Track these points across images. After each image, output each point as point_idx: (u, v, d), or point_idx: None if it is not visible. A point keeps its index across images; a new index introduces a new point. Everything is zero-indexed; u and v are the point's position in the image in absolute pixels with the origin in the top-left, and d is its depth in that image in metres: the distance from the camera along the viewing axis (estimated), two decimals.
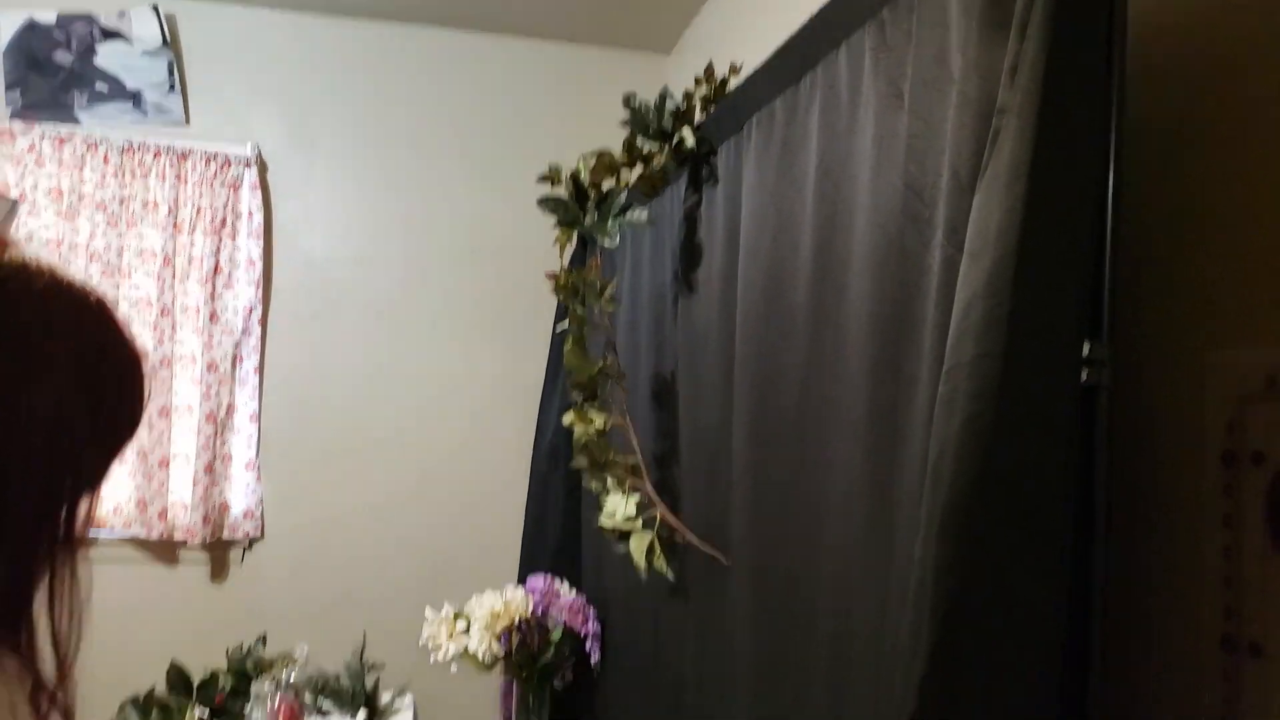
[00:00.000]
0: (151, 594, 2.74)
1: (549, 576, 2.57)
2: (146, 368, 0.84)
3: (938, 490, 0.90)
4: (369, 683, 2.33)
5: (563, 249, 1.98)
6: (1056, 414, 0.89)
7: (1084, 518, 0.93)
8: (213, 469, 2.75)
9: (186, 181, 2.73)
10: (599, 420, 2.12)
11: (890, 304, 1.25)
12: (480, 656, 2.38)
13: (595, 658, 2.47)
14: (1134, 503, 0.98)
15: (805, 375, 1.55)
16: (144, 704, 1.88)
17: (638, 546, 2.03)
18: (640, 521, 2.07)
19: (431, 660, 2.41)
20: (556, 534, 2.81)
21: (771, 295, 1.65)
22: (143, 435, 2.72)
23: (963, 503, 0.87)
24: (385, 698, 2.31)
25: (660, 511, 2.04)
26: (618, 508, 2.11)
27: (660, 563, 2.01)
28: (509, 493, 2.92)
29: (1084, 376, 0.90)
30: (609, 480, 2.15)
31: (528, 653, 2.47)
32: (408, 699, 2.37)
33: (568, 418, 2.18)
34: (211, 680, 2.03)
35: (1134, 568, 0.99)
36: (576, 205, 1.88)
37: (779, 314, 1.62)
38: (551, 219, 2.02)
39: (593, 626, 2.50)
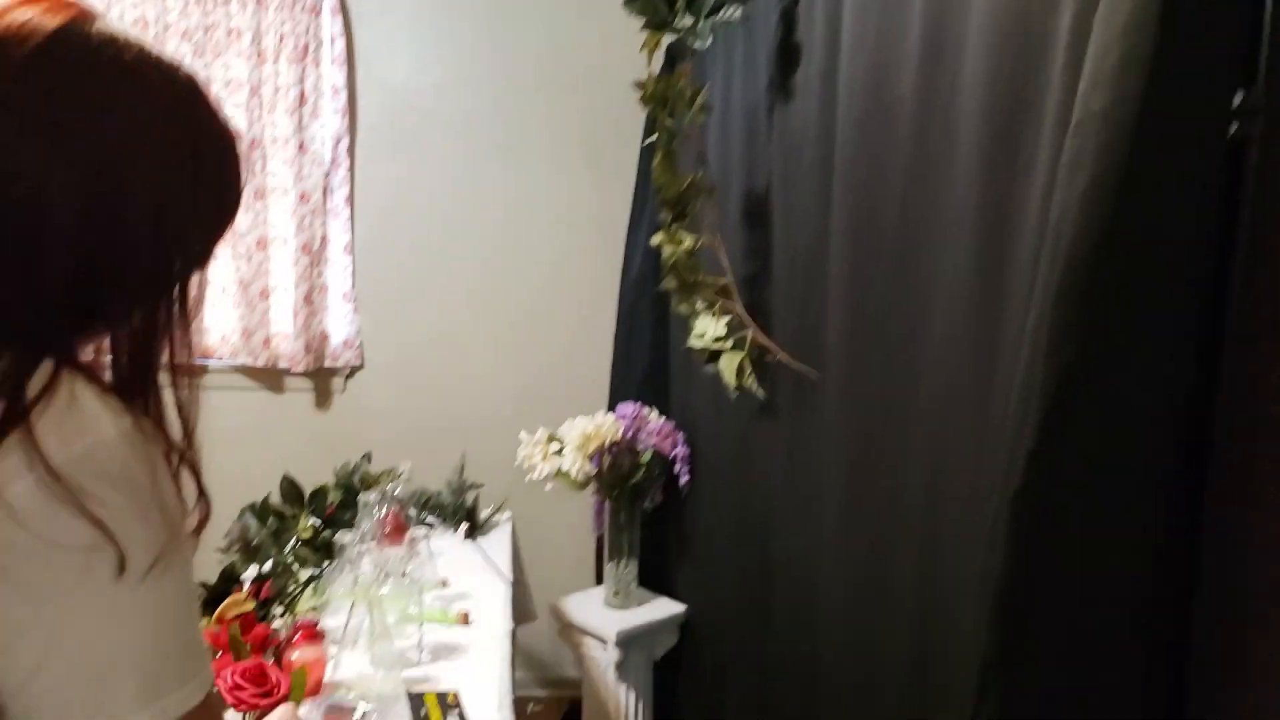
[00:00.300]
0: (261, 419, 2.87)
1: (638, 403, 2.59)
2: (241, 147, 0.83)
3: (1056, 256, 0.83)
4: (469, 500, 2.42)
5: (650, 55, 1.88)
6: (1197, 170, 0.80)
7: (1217, 288, 0.86)
8: (311, 300, 2.81)
9: (267, 8, 2.69)
10: (688, 240, 2.07)
11: (1008, 81, 1.15)
12: (573, 475, 2.44)
13: (684, 479, 2.50)
14: (1276, 274, 0.90)
15: (910, 177, 1.47)
16: (260, 511, 1.99)
17: (728, 366, 2.01)
18: (730, 342, 2.05)
19: (527, 480, 2.48)
20: (644, 362, 2.81)
21: (875, 94, 1.54)
22: (242, 267, 2.79)
23: (1084, 267, 0.81)
24: (484, 514, 2.40)
25: (751, 332, 2.01)
26: (707, 329, 2.08)
27: (750, 381, 2.00)
28: (598, 321, 2.93)
29: (1232, 129, 0.81)
30: (698, 303, 2.12)
31: (619, 473, 2.52)
32: (506, 515, 2.46)
33: (656, 238, 2.13)
34: (321, 492, 2.13)
35: (1271, 348, 0.92)
36: (665, 4, 1.78)
37: (883, 113, 1.52)
38: (639, 27, 1.92)
39: (681, 449, 2.53)
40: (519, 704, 2.99)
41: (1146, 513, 0.89)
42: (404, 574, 1.75)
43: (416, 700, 1.51)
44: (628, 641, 2.46)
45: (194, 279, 0.80)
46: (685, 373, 2.58)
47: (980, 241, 1.22)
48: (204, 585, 1.70)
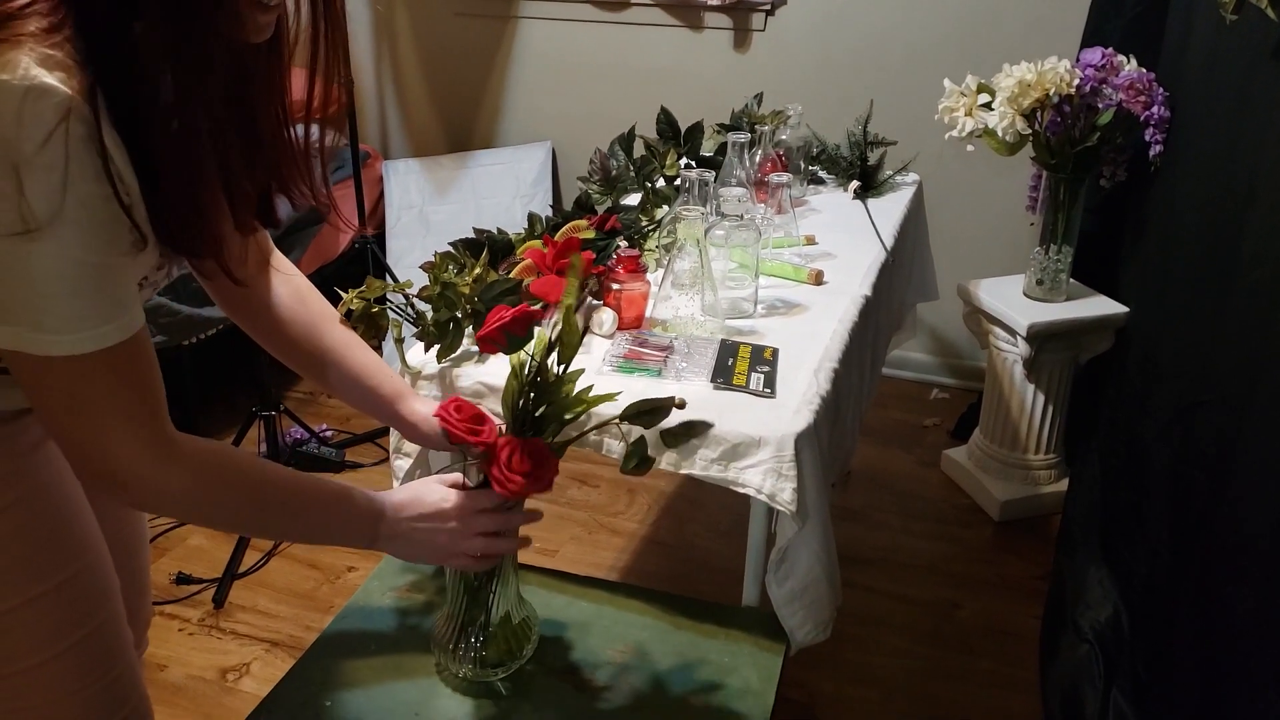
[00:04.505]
0: (675, 60, 2.74)
1: (1110, 51, 2.00)
2: None
3: None
4: (872, 157, 2.10)
5: None
6: None
7: None
8: None
9: None
10: None
11: None
12: (1000, 135, 2.00)
13: (1155, 149, 1.93)
14: None
15: None
16: (626, 142, 1.89)
17: None
18: None
19: (946, 137, 2.09)
20: None
21: None
22: None
23: None
24: (884, 175, 2.07)
25: None
26: None
27: None
28: None
29: None
30: None
31: (1066, 137, 2.01)
32: (911, 177, 2.11)
33: None
34: (696, 129, 1.96)
35: None
36: None
37: None
38: None
39: (1159, 110, 1.93)
40: (920, 388, 2.78)
41: None
42: (755, 219, 1.56)
43: (730, 348, 1.38)
44: (1043, 337, 2.07)
45: None
46: (1188, 11, 1.89)
47: None
48: (557, 211, 1.66)
